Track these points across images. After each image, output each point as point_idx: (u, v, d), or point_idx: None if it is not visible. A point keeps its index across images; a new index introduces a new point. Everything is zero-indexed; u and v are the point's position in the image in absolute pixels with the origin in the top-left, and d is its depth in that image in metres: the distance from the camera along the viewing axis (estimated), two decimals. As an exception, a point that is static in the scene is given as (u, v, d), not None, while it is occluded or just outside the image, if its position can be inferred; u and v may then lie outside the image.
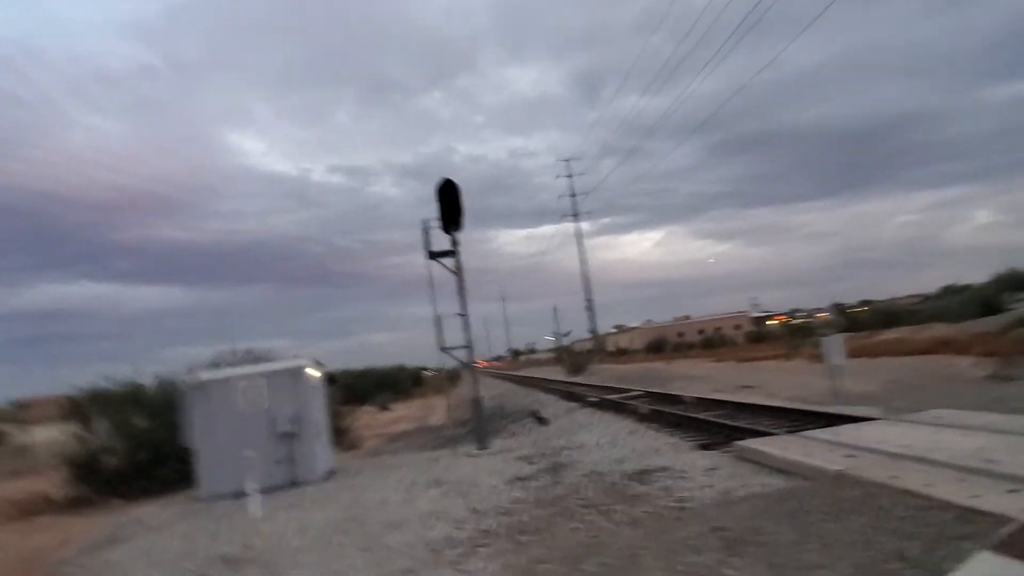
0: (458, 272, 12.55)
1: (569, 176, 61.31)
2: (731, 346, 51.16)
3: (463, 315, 12.32)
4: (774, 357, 28.34)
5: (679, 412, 11.75)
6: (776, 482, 6.17)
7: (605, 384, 23.48)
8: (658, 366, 35.58)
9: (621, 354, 68.76)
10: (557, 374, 42.70)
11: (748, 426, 9.10)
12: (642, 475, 7.54)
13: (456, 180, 12.12)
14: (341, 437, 19.54)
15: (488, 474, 8.79)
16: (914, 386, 13.91)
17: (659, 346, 62.45)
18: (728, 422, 9.56)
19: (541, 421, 14.99)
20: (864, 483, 4.99)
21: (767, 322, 72.38)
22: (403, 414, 31.85)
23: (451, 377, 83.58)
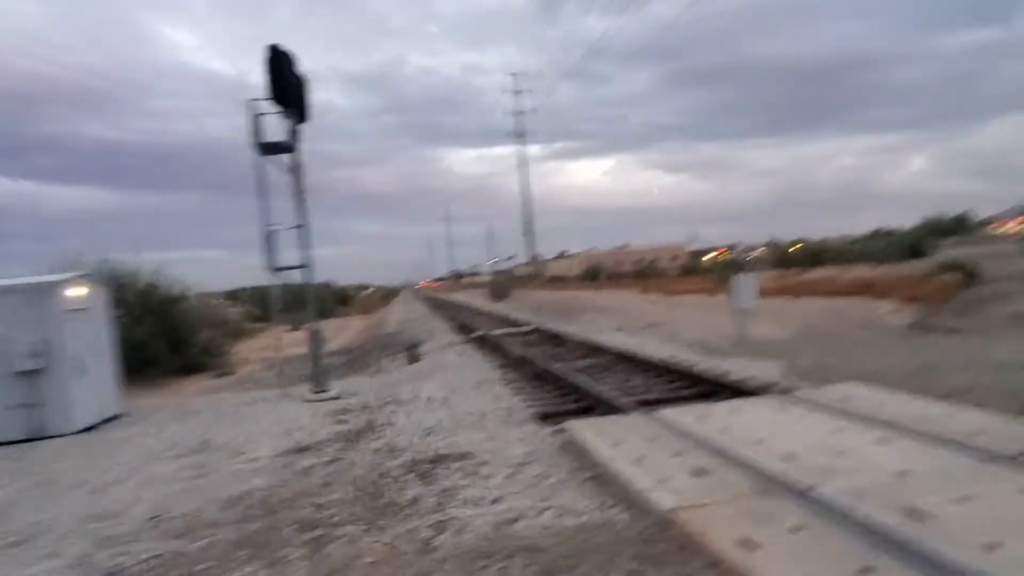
0: (296, 173, 10.14)
1: (518, 92, 57.44)
2: (663, 277, 49.98)
3: (300, 227, 10.09)
4: (700, 291, 27.12)
5: (549, 358, 10.31)
6: (583, 508, 3.83)
7: (510, 315, 22.70)
8: (583, 295, 34.81)
9: (557, 281, 67.53)
10: (483, 299, 41.94)
11: (605, 392, 6.84)
12: (433, 464, 5.27)
13: (297, 63, 9.62)
14: (215, 361, 18.06)
15: (275, 436, 7.13)
16: (829, 335, 12.09)
17: (594, 274, 61.41)
18: (585, 383, 7.31)
19: (414, 358, 13.49)
20: (696, 549, 2.86)
21: (704, 256, 71.89)
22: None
23: (385, 296, 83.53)
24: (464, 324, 20.10)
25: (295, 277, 10.48)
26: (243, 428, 7.92)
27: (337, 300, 54.61)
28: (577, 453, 5.01)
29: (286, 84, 9.61)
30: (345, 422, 7.68)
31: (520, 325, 17.37)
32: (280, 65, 9.63)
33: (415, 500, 4.51)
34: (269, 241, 9.95)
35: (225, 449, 6.86)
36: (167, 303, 17.34)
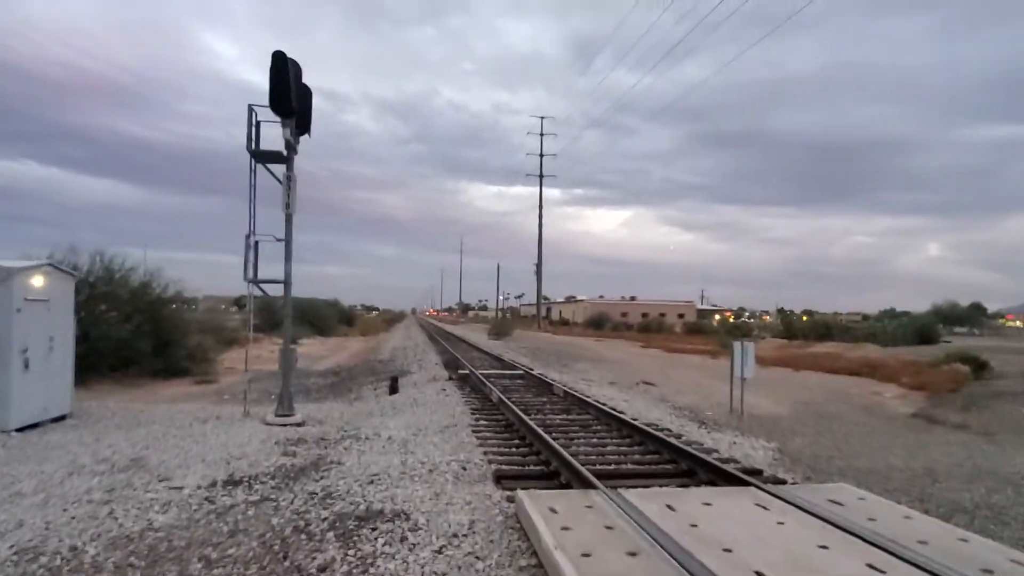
0: (288, 185, 9.77)
1: (543, 135, 57.92)
2: (666, 333, 49.41)
3: (285, 242, 9.73)
4: (702, 352, 26.56)
5: (529, 408, 9.79)
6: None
7: (505, 355, 22.09)
8: (584, 343, 34.80)
9: (562, 324, 67.16)
10: (483, 334, 41.70)
11: (576, 457, 6.18)
12: (361, 522, 4.62)
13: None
14: (199, 367, 17.73)
15: (212, 463, 6.54)
16: (828, 416, 11.30)
17: (599, 323, 60.91)
18: (557, 443, 6.72)
19: (394, 390, 13.18)
20: None
21: (711, 316, 71.16)
22: (304, 351, 29.43)
23: (390, 320, 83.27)
24: (455, 359, 19.61)
25: (278, 290, 10.18)
26: (185, 448, 7.31)
27: (340, 319, 54.36)
28: (523, 531, 4.31)
29: (289, 93, 9.33)
30: (293, 455, 7.08)
31: (511, 368, 16.69)
32: (284, 73, 9.34)
33: (323, 568, 3.82)
34: (251, 251, 9.59)
35: (154, 471, 6.23)
36: (158, 304, 17.05)
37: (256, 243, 9.66)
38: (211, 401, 13.46)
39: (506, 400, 9.78)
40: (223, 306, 55.94)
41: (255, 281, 9.79)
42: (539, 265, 65.74)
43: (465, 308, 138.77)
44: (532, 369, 16.22)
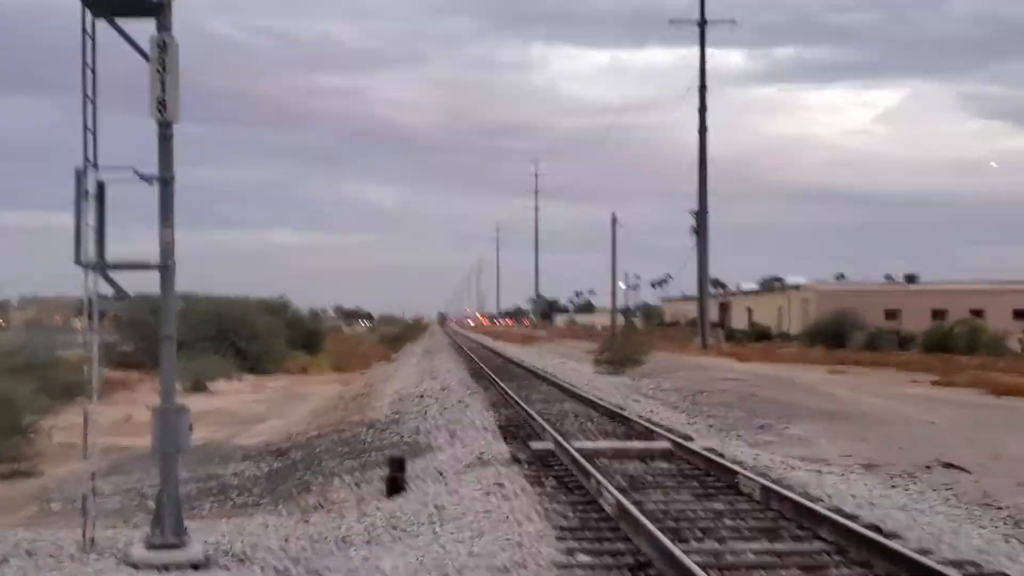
0: (162, 62, 10.01)
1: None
2: (1001, 353, 47.49)
3: (159, 181, 10.16)
4: None
5: (685, 532, 9.86)
6: None
7: (628, 405, 22.81)
8: (803, 377, 34.31)
9: (756, 338, 65.95)
10: (581, 362, 43.19)
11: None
12: None
13: None
14: (9, 444, 18.54)
15: None
16: None
17: (837, 333, 58.86)
18: None
19: (396, 486, 13.36)
20: None
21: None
22: (217, 406, 30.92)
23: (394, 339, 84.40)
24: (523, 416, 20.07)
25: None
26: None
27: (296, 337, 56.78)
28: None
29: None
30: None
31: (646, 434, 16.91)
32: None
33: None
34: (86, 203, 9.87)
35: None
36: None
37: (101, 186, 9.88)
38: (22, 516, 13.53)
39: (630, 507, 9.69)
40: (59, 318, 57.78)
41: (99, 266, 10.00)
42: (701, 214, 65.34)
43: (547, 310, 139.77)
44: (689, 436, 16.55)
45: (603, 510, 10.51)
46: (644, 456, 14.52)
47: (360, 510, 12.38)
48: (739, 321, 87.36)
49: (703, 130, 64.43)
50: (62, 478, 17.22)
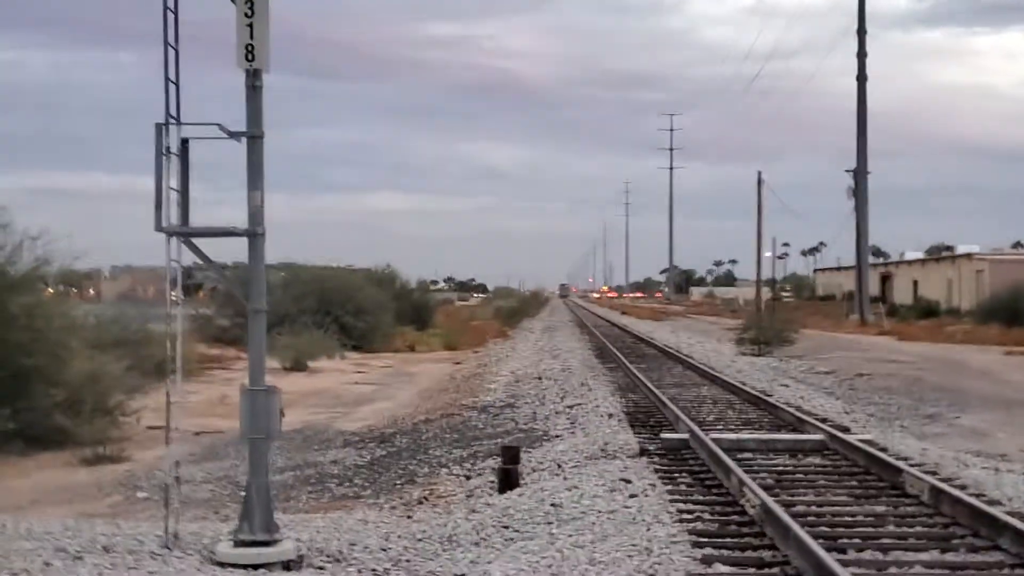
0: (250, 13, 9.97)
1: None
2: None
3: (253, 137, 10.18)
4: None
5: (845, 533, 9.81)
6: None
7: (774, 390, 22.80)
8: (976, 360, 33.67)
9: (922, 314, 64.45)
10: (719, 341, 43.48)
11: None
12: None
13: None
14: (95, 425, 18.80)
15: None
16: None
17: (1015, 309, 56.85)
18: None
19: (508, 480, 13.31)
20: None
21: None
22: (314, 387, 31.26)
23: (512, 313, 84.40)
24: (652, 403, 20.30)
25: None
26: None
27: (404, 312, 57.50)
28: None
29: None
30: None
31: (795, 424, 16.70)
32: None
33: None
34: (167, 162, 9.85)
35: None
36: (5, 293, 18.59)
37: (184, 143, 9.88)
38: (106, 505, 13.63)
39: (777, 510, 9.50)
40: (153, 290, 58.90)
41: (181, 232, 10.00)
42: (860, 173, 63.96)
43: (682, 282, 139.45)
44: (847, 427, 16.27)
45: (746, 512, 10.31)
46: (793, 450, 14.35)
47: (469, 506, 12.41)
48: (902, 294, 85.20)
49: (862, 78, 63.51)
50: (150, 463, 17.36)
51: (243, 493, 11.42)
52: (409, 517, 12.26)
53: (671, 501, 10.97)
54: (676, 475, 12.77)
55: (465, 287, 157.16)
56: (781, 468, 13.09)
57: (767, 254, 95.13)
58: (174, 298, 10.72)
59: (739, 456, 13.28)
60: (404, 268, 68.19)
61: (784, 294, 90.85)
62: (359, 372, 37.10)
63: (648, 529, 9.73)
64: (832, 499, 11.26)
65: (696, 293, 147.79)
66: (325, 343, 40.40)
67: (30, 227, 19.60)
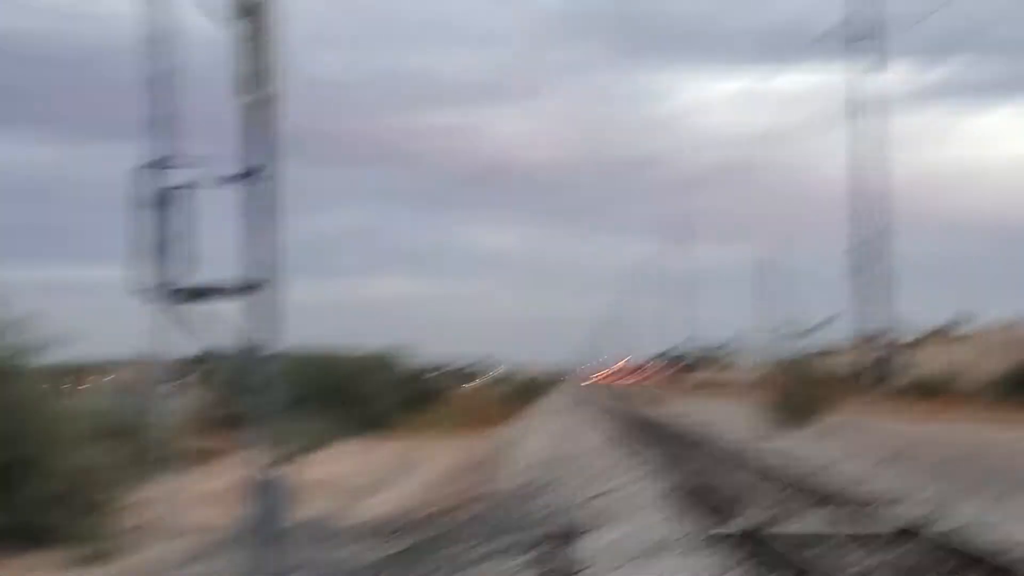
0: (258, 46, 9.73)
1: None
2: None
3: (261, 175, 9.66)
4: None
5: None
6: None
7: (822, 471, 22.55)
8: (1003, 439, 33.00)
9: (931, 394, 63.85)
10: (750, 415, 44.09)
11: None
12: None
13: None
14: (87, 522, 18.35)
15: None
16: None
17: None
18: None
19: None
20: None
21: None
22: (319, 476, 30.21)
23: (519, 395, 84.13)
24: (697, 488, 19.25)
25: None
26: None
27: (409, 396, 57.89)
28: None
29: None
30: None
31: (863, 517, 15.38)
32: None
33: None
34: (160, 207, 9.20)
35: None
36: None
37: (182, 192, 9.28)
38: None
39: None
40: (154, 382, 58.89)
41: (183, 293, 9.26)
42: (863, 248, 63.75)
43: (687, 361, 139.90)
44: (903, 507, 15.48)
45: None
46: (867, 546, 12.65)
47: None
48: (917, 366, 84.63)
49: (860, 153, 66.52)
50: (142, 560, 16.91)
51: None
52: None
53: None
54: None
55: (471, 370, 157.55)
56: (870, 561, 11.51)
57: (788, 325, 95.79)
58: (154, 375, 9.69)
59: (813, 548, 12.11)
60: (409, 352, 68.27)
61: (792, 371, 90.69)
62: (365, 459, 36.85)
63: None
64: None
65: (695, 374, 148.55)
66: (327, 429, 40.33)
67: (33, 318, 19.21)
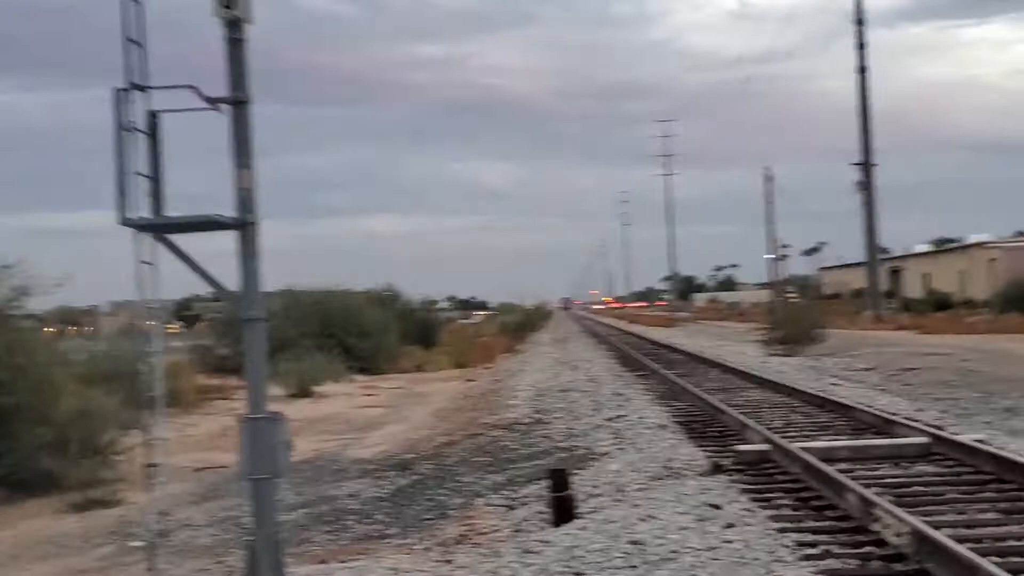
0: None
1: None
2: None
3: (237, 103, 8.89)
4: None
5: None
6: None
7: (817, 388, 22.26)
8: (1018, 350, 33.14)
9: (932, 308, 64.23)
10: (740, 342, 43.70)
11: None
12: None
13: None
14: (86, 467, 18.50)
15: None
16: None
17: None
18: None
19: (563, 509, 12.27)
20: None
21: None
22: (324, 412, 31.26)
23: (515, 329, 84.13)
24: (705, 411, 18.94)
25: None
26: None
27: (409, 332, 57.72)
28: None
29: None
30: None
31: (881, 426, 15.32)
32: None
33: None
34: (135, 137, 8.36)
35: None
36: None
37: (154, 116, 8.55)
38: (95, 558, 13.43)
39: (939, 538, 7.78)
40: (153, 324, 58.90)
41: (153, 226, 8.58)
42: (867, 164, 63.42)
43: (684, 288, 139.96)
44: (941, 429, 14.86)
45: (885, 542, 8.42)
46: (895, 456, 12.50)
47: (520, 545, 11.03)
48: (913, 288, 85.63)
49: (862, 70, 64.33)
50: (146, 506, 16.50)
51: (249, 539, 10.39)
52: (449, 562, 11.07)
53: (781, 531, 9.24)
54: (770, 496, 11.11)
55: (467, 305, 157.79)
56: (892, 480, 11.19)
57: (769, 256, 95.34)
58: (153, 311, 9.13)
59: (837, 467, 11.47)
60: (406, 288, 69.25)
61: (789, 294, 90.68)
62: (368, 395, 37.05)
63: (769, 572, 8.18)
64: (982, 518, 9.38)
65: (699, 299, 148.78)
66: (330, 367, 40.40)
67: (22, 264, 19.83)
